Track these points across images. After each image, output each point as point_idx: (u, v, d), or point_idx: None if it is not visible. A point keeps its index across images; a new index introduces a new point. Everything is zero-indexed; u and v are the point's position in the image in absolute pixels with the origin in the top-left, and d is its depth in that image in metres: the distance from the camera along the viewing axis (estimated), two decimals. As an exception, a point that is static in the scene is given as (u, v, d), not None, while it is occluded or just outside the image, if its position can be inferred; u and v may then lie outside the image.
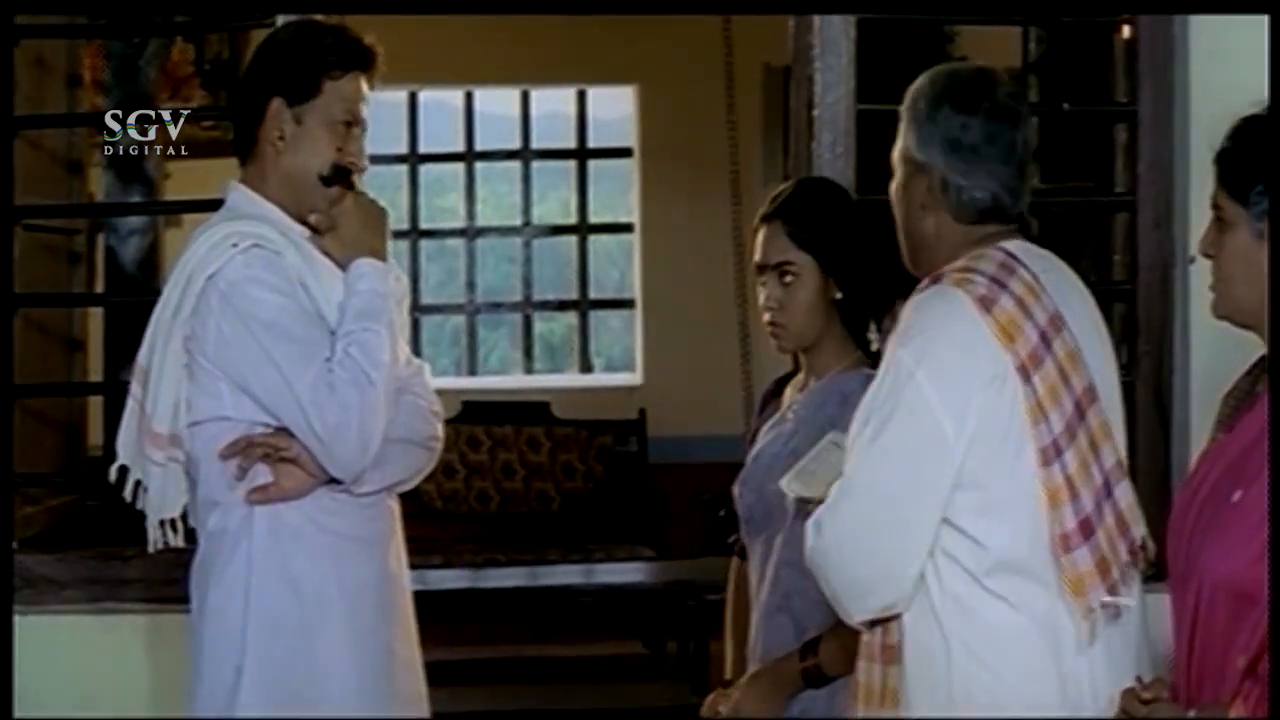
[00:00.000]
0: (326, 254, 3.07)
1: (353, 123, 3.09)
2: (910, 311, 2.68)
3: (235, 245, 2.97)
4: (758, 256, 3.25)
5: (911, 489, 2.60)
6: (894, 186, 2.83)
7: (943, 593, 2.63)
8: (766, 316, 3.25)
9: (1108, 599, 2.65)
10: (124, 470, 3.15)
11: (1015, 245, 2.74)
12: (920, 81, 2.79)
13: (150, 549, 3.17)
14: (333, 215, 3.07)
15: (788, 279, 3.21)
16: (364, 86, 3.09)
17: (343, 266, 3.05)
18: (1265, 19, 3.22)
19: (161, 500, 3.13)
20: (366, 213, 3.10)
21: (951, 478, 2.60)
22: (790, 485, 2.86)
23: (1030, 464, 2.61)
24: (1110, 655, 2.67)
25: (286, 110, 3.05)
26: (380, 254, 3.08)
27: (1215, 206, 2.52)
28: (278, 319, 2.95)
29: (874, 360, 3.22)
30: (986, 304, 2.62)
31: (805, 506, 2.80)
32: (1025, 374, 2.61)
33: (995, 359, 2.60)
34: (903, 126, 2.79)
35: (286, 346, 2.94)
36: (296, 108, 3.05)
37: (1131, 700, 2.49)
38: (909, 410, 2.60)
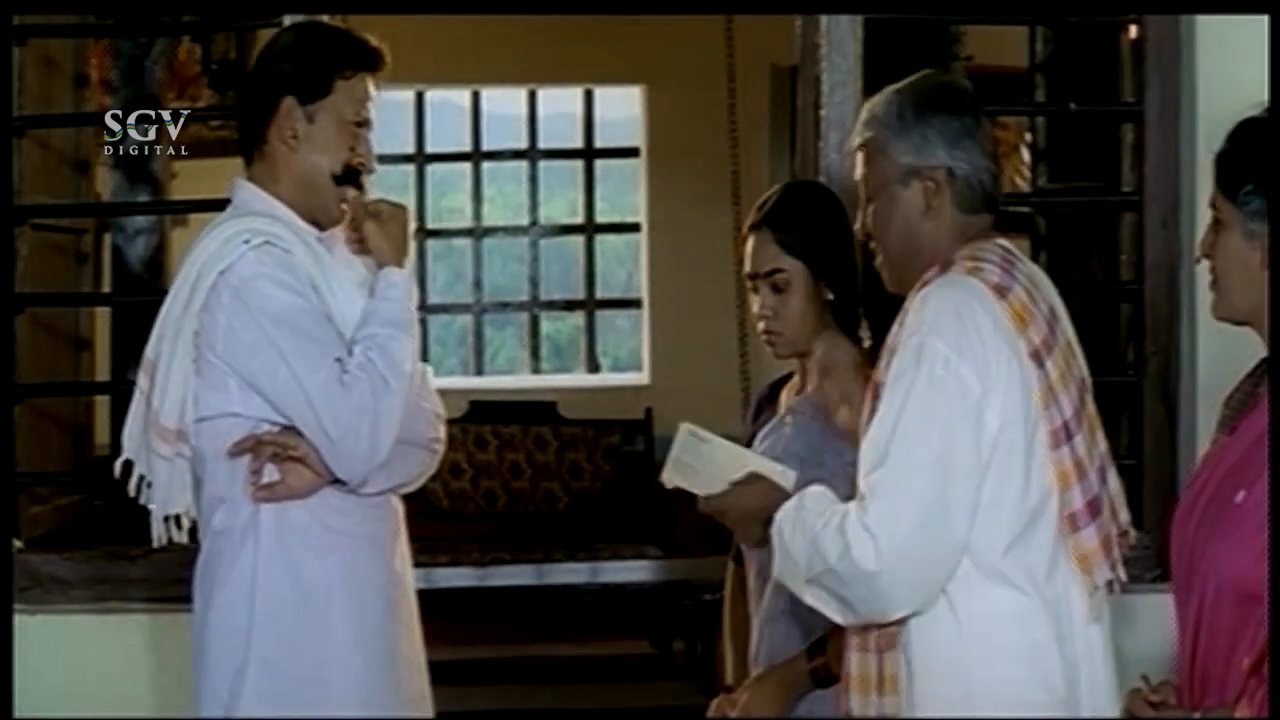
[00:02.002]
0: (359, 246, 3.09)
1: (362, 123, 3.10)
2: (928, 301, 2.68)
3: (247, 241, 2.97)
4: (748, 267, 3.26)
5: (960, 474, 2.60)
6: (872, 212, 2.84)
7: (955, 576, 2.63)
8: (761, 325, 3.25)
9: (1110, 575, 2.72)
10: (128, 465, 3.15)
11: (1004, 242, 2.79)
12: (886, 100, 2.82)
13: (155, 544, 3.17)
14: (382, 212, 3.09)
15: (780, 287, 3.21)
16: (372, 88, 3.10)
17: (375, 265, 3.08)
18: (1265, 19, 3.22)
19: (167, 495, 3.13)
20: (406, 224, 3.12)
21: (988, 461, 2.61)
22: (671, 478, 2.96)
23: (1042, 446, 2.65)
24: (1105, 632, 2.74)
25: (299, 109, 3.05)
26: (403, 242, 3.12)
27: (1213, 207, 2.54)
28: (289, 316, 2.95)
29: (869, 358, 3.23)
30: (1001, 291, 2.66)
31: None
32: (1038, 359, 2.65)
33: (1013, 344, 2.64)
34: (881, 146, 2.80)
35: (298, 344, 2.94)
36: (308, 106, 3.05)
37: (1137, 701, 2.49)
38: (951, 398, 2.60)
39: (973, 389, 2.60)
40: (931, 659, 2.66)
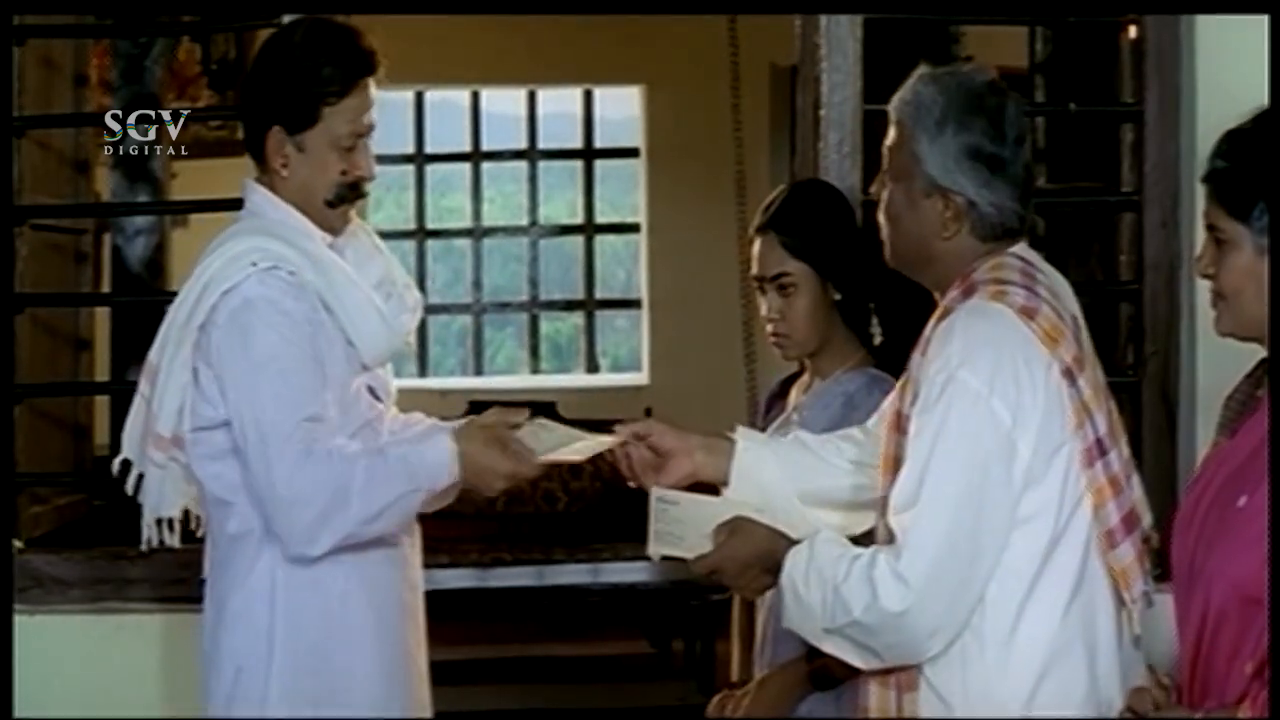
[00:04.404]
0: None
1: (360, 135, 3.05)
2: (953, 333, 2.60)
3: (255, 264, 2.96)
4: (755, 269, 3.26)
5: (991, 511, 2.55)
6: (894, 198, 2.74)
7: (981, 602, 2.58)
8: (769, 328, 3.25)
9: (1145, 587, 2.66)
10: (127, 464, 3.15)
11: (1023, 250, 2.72)
12: (926, 90, 2.70)
13: (144, 547, 3.18)
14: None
15: (787, 290, 3.22)
16: (370, 92, 3.04)
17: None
18: (1265, 19, 3.22)
19: (159, 499, 3.13)
20: (495, 459, 3.01)
21: (1020, 491, 2.57)
22: (657, 550, 2.84)
23: (1074, 465, 2.59)
24: (1136, 646, 2.68)
25: (287, 139, 3.02)
26: (484, 486, 3.01)
27: (1211, 227, 2.48)
28: (277, 353, 2.93)
29: (877, 357, 3.23)
30: (1029, 313, 2.59)
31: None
32: (1071, 377, 2.59)
33: (1047, 366, 2.58)
34: (913, 136, 2.69)
35: (277, 384, 2.92)
36: (296, 136, 3.02)
37: (1140, 698, 2.48)
38: (983, 434, 2.55)
39: (1004, 421, 2.54)
40: (954, 682, 2.60)
